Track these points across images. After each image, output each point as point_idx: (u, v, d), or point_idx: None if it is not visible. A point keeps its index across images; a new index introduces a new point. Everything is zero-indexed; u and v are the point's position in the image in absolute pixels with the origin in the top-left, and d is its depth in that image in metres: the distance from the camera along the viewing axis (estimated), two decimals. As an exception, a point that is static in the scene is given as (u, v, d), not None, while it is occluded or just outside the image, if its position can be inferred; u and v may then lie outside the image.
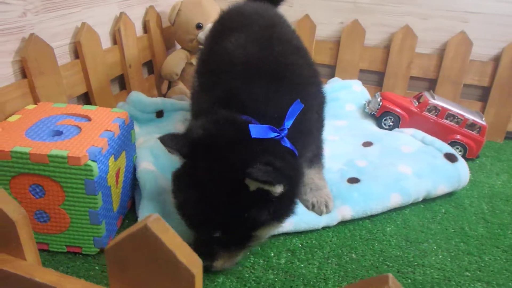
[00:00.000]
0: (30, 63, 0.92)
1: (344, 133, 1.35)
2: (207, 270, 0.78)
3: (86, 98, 1.17)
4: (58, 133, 0.81)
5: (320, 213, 0.96)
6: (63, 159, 0.72)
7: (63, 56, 1.07)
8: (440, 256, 0.91)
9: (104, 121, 0.86)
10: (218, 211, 0.71)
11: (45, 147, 0.74)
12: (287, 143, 0.79)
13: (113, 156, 0.83)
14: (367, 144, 1.28)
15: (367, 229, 0.98)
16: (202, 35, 1.44)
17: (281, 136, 0.78)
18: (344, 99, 1.50)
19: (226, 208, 0.71)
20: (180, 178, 0.76)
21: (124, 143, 0.89)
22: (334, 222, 0.97)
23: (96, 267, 0.80)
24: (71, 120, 0.86)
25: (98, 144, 0.77)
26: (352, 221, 1.00)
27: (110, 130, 0.82)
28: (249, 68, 0.84)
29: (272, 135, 0.76)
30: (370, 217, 1.02)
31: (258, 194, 0.71)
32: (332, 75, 1.67)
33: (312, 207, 0.98)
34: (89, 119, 0.87)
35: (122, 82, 1.37)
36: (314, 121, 0.93)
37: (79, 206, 0.77)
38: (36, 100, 0.95)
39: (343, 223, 0.99)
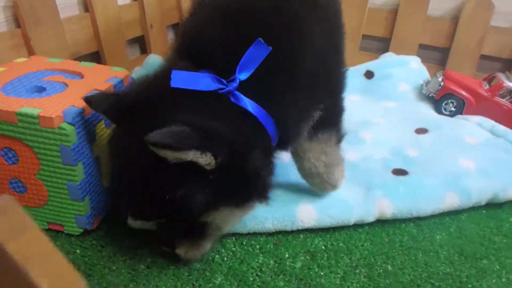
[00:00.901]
0: (23, 10, 0.80)
1: (393, 117, 1.13)
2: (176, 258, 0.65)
3: (97, 59, 1.05)
4: (40, 89, 0.69)
5: (323, 188, 0.77)
6: (34, 119, 0.60)
7: (70, 7, 0.95)
8: (504, 279, 0.70)
9: (97, 79, 0.73)
10: (144, 193, 0.55)
11: (17, 103, 0.62)
12: (241, 101, 0.57)
13: (103, 121, 0.70)
14: (421, 131, 1.06)
15: (410, 235, 0.78)
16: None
17: (227, 89, 0.57)
18: (398, 77, 1.27)
19: (151, 188, 0.54)
20: (109, 146, 0.63)
21: (121, 107, 0.76)
22: (370, 218, 0.78)
23: (78, 250, 0.69)
24: (60, 76, 0.73)
25: (80, 105, 0.63)
26: (393, 223, 0.81)
27: (100, 90, 0.69)
28: (216, 7, 0.65)
29: (209, 86, 0.56)
30: (416, 220, 0.82)
31: (188, 169, 0.52)
32: (385, 50, 1.43)
33: (311, 178, 0.76)
34: (82, 77, 0.74)
35: (143, 45, 1.23)
36: (314, 76, 0.65)
37: (56, 177, 0.64)
38: (31, 54, 0.84)
39: (381, 224, 0.80)
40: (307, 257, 0.72)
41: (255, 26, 0.60)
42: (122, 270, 0.65)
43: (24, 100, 0.63)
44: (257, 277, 0.67)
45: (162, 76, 0.59)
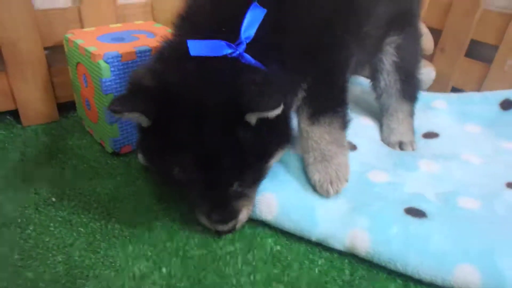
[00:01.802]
0: (153, -13, 1.07)
1: (499, 160, 0.83)
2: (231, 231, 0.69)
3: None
4: (120, 39, 0.92)
5: (325, 194, 0.71)
6: (89, 53, 0.83)
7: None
8: None
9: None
10: (226, 164, 0.60)
11: (92, 44, 0.86)
12: (250, 61, 0.62)
13: (147, 69, 0.87)
14: (516, 186, 0.74)
15: None
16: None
17: (237, 52, 0.61)
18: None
19: (234, 157, 0.59)
20: (155, 144, 0.61)
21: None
22: (337, 245, 0.66)
23: (101, 163, 0.88)
24: (144, 35, 0.95)
25: (122, 51, 0.83)
26: (371, 265, 0.64)
27: (148, 46, 0.86)
28: None
29: (223, 51, 0.60)
30: (405, 279, 0.62)
31: (258, 126, 0.59)
32: None
33: (314, 186, 0.72)
34: (155, 36, 0.94)
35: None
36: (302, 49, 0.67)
37: (100, 102, 0.87)
38: (155, 20, 1.10)
39: (353, 257, 0.66)
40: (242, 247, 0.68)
41: None
42: (106, 190, 0.81)
43: (98, 43, 0.87)
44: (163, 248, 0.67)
45: (172, 58, 0.63)
